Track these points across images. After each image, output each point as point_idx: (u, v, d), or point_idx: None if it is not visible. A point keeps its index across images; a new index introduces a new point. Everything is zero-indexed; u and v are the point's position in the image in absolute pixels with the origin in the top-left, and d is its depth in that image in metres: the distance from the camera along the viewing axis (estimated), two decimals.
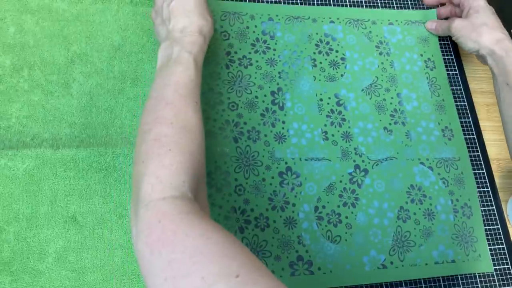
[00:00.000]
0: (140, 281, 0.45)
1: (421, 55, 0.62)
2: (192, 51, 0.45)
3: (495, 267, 0.53)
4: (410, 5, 0.66)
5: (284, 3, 0.61)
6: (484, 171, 0.58)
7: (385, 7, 0.65)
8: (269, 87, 0.56)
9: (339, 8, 0.63)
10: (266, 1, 0.61)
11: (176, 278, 0.29)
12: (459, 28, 0.58)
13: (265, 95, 0.55)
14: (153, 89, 0.43)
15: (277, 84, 0.56)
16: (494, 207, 0.56)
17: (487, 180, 0.57)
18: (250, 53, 0.57)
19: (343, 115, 0.56)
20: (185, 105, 0.41)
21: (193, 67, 0.44)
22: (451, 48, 0.64)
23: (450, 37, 0.65)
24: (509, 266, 0.53)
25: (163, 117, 0.39)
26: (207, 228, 0.32)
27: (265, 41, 0.58)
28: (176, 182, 0.35)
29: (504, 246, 0.54)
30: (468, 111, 0.61)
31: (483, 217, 0.55)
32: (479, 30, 0.56)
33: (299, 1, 0.62)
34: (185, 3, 0.47)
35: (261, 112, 0.54)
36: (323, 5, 0.63)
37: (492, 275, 0.52)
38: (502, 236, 0.54)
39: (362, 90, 0.58)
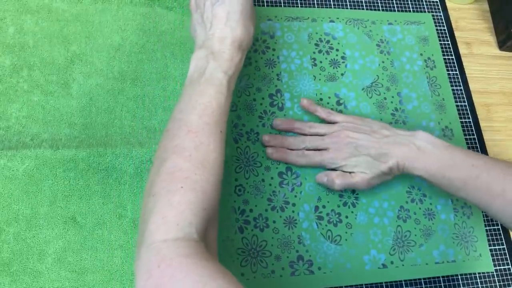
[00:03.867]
0: None
1: (421, 54, 0.62)
2: (228, 72, 0.43)
3: (495, 267, 0.53)
4: (411, 8, 0.65)
5: (284, 4, 0.61)
6: None
7: (385, 10, 0.65)
8: (267, 90, 0.56)
9: (339, 10, 0.63)
10: (265, 4, 0.61)
11: None
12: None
13: (263, 98, 0.55)
14: (178, 109, 0.41)
15: (276, 86, 0.56)
16: None
17: None
18: (250, 51, 0.57)
19: None
20: (208, 136, 0.39)
21: (226, 90, 0.42)
22: (451, 48, 0.64)
23: (450, 37, 0.65)
24: (510, 266, 0.53)
25: (182, 147, 0.38)
26: (206, 273, 0.31)
27: (264, 41, 0.58)
28: (183, 223, 0.34)
29: (505, 246, 0.54)
30: (468, 111, 0.61)
31: (483, 217, 0.55)
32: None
33: (299, 2, 0.62)
34: (232, 10, 0.44)
35: (259, 114, 0.54)
36: (322, 8, 0.62)
37: (493, 275, 0.52)
38: (502, 236, 0.54)
39: (363, 89, 0.58)
